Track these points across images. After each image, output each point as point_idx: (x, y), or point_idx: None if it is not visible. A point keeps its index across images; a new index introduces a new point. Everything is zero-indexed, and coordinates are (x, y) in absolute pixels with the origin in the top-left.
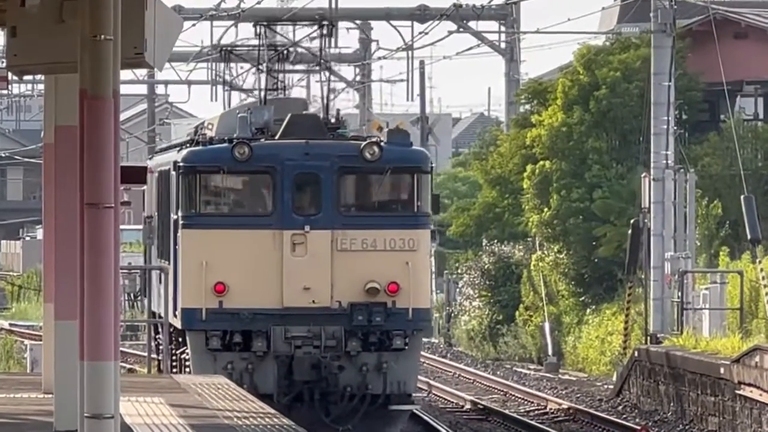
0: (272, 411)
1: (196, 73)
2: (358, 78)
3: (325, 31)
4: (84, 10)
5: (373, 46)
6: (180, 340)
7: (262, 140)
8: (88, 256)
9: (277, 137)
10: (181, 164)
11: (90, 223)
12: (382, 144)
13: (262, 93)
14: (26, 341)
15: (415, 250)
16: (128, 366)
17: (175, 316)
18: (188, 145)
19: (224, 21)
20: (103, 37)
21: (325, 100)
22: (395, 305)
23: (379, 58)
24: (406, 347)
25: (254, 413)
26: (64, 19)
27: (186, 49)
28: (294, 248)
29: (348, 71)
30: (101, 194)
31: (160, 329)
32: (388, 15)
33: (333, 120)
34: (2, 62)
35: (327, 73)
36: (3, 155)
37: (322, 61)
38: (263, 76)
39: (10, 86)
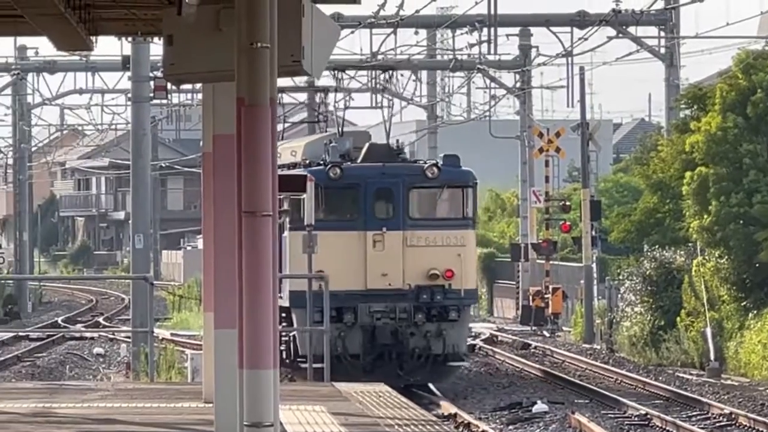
0: (433, 419)
1: (356, 81)
2: (518, 84)
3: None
4: (240, 18)
5: (533, 52)
6: (284, 315)
7: (349, 163)
8: (246, 265)
9: (359, 161)
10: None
11: (248, 232)
12: (439, 165)
13: (340, 128)
14: (187, 350)
15: (465, 246)
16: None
17: (281, 297)
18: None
19: (383, 29)
20: (259, 44)
21: (387, 129)
22: (450, 287)
23: (539, 65)
24: (459, 318)
25: (415, 421)
26: (221, 27)
27: (345, 57)
28: (374, 245)
29: (508, 78)
30: (259, 202)
31: None
32: (547, 21)
33: (395, 147)
34: (161, 72)
35: (391, 103)
36: (163, 165)
37: (385, 97)
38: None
39: (169, 95)
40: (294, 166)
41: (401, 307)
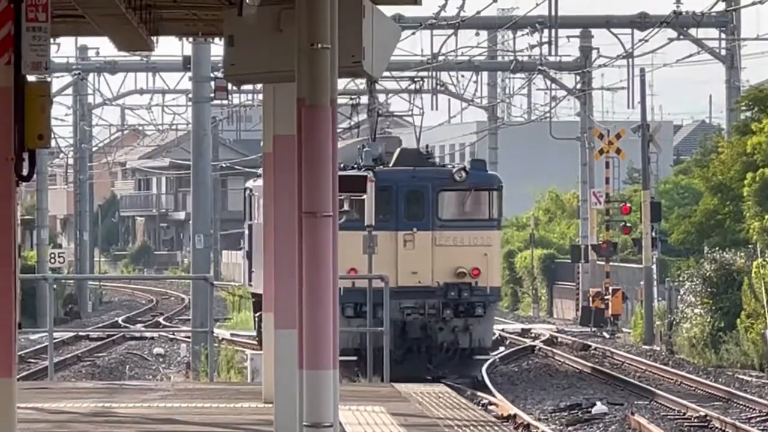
0: (493, 420)
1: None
2: (578, 86)
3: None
4: (301, 19)
5: (594, 53)
6: None
7: (382, 167)
8: (306, 265)
9: (391, 165)
10: None
11: (308, 232)
12: (467, 169)
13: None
14: (247, 351)
15: (490, 245)
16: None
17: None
18: None
19: (444, 30)
20: (320, 45)
21: (418, 135)
22: (477, 284)
23: (600, 66)
24: (485, 314)
25: (475, 422)
26: (281, 28)
27: (406, 58)
28: (405, 244)
29: (569, 79)
30: (319, 203)
31: None
32: (608, 23)
33: (425, 152)
34: (221, 72)
35: (421, 111)
36: (224, 165)
37: (415, 105)
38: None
39: (230, 96)
40: None
41: (430, 303)
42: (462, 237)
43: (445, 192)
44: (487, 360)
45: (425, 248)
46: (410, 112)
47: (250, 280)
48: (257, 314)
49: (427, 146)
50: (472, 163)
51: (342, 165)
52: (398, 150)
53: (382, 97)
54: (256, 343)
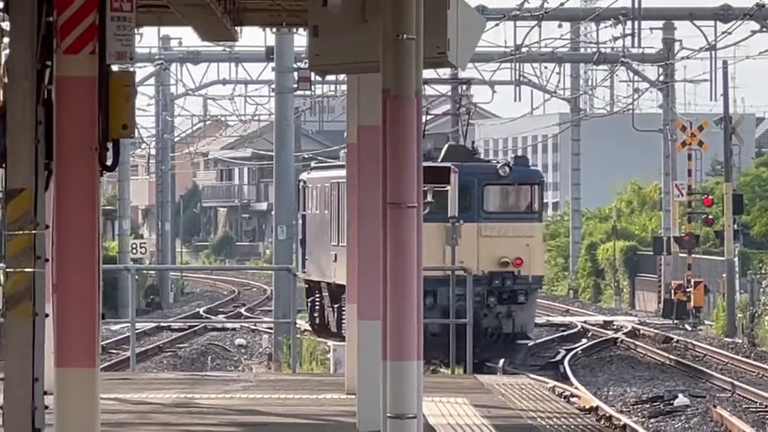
0: (576, 411)
1: (499, 74)
2: (661, 78)
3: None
4: (386, 10)
5: (677, 45)
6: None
7: (431, 163)
8: (390, 256)
9: (439, 160)
10: None
11: (392, 223)
12: (511, 165)
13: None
14: (329, 342)
15: (532, 236)
16: (431, 366)
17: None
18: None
19: (528, 21)
20: (405, 36)
21: (464, 132)
22: (519, 273)
23: (683, 58)
24: (527, 301)
25: (558, 413)
26: (366, 18)
27: (489, 50)
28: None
29: (651, 71)
30: (404, 194)
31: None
32: (691, 15)
33: (471, 149)
34: (305, 63)
35: (467, 109)
36: (306, 156)
37: (463, 105)
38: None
39: (313, 87)
40: None
41: (476, 291)
42: (506, 228)
43: (490, 186)
44: (527, 344)
45: (471, 239)
46: (457, 111)
47: (303, 267)
48: (309, 299)
49: (473, 142)
50: (516, 159)
51: None
52: (446, 146)
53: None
54: (309, 328)
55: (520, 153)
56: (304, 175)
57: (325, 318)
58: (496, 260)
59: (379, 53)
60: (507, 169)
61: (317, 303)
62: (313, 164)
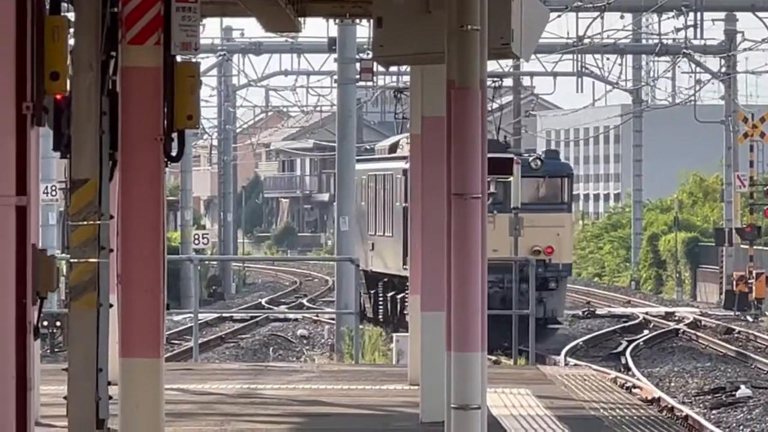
0: (639, 402)
1: (561, 65)
2: (723, 69)
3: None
4: (451, 1)
5: (739, 37)
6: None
7: (493, 154)
8: (454, 247)
9: None
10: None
11: (457, 214)
12: (542, 158)
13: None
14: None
15: (563, 226)
16: (493, 357)
17: (405, 268)
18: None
19: (590, 12)
20: (470, 27)
21: (497, 125)
22: (551, 261)
23: (745, 50)
24: (557, 287)
25: (621, 404)
26: (430, 9)
27: (551, 41)
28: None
29: (713, 62)
30: (468, 185)
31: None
32: (753, 6)
33: (503, 142)
34: (367, 53)
35: (499, 112)
36: (368, 147)
37: (493, 103)
38: None
39: (375, 78)
40: (404, 158)
41: (508, 278)
42: (537, 219)
43: (523, 178)
44: (558, 329)
45: (504, 228)
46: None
47: None
48: None
49: (505, 136)
50: (547, 153)
51: None
52: None
53: (526, 80)
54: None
55: (581, 144)
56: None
57: (362, 304)
58: (528, 249)
59: (444, 44)
60: (539, 162)
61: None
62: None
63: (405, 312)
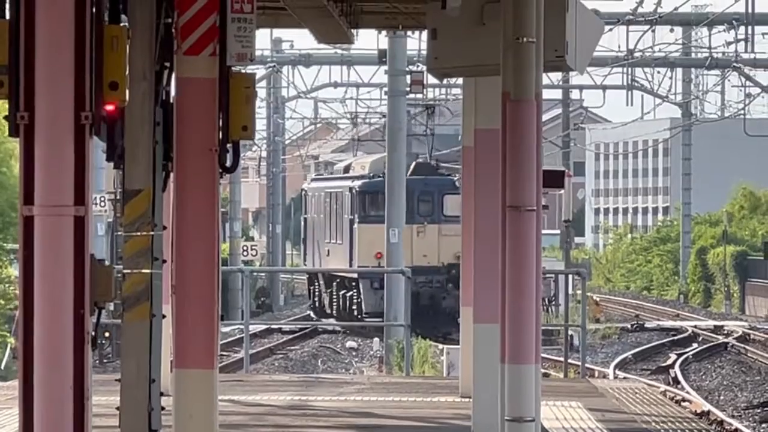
0: (689, 416)
1: (611, 78)
2: None
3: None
4: (506, 13)
5: None
6: (354, 284)
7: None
8: (509, 259)
9: (409, 174)
10: (357, 189)
11: (512, 226)
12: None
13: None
14: (441, 345)
15: None
16: (543, 370)
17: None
18: (352, 177)
19: (640, 26)
20: (525, 39)
21: (430, 147)
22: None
23: None
24: None
25: (672, 417)
26: (485, 21)
27: (601, 54)
28: (418, 234)
29: (764, 76)
30: (523, 197)
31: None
32: None
33: (434, 165)
34: (417, 66)
35: (432, 131)
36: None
37: (427, 127)
38: None
39: (425, 90)
40: (362, 177)
41: (437, 278)
42: (460, 228)
43: (448, 195)
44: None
45: (433, 237)
46: (424, 133)
47: (304, 261)
48: (310, 287)
49: (437, 160)
50: None
51: (371, 175)
52: (414, 163)
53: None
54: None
55: (630, 157)
56: (305, 185)
57: (322, 302)
58: (453, 254)
59: (499, 56)
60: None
61: (316, 290)
62: (313, 176)
63: (353, 307)
